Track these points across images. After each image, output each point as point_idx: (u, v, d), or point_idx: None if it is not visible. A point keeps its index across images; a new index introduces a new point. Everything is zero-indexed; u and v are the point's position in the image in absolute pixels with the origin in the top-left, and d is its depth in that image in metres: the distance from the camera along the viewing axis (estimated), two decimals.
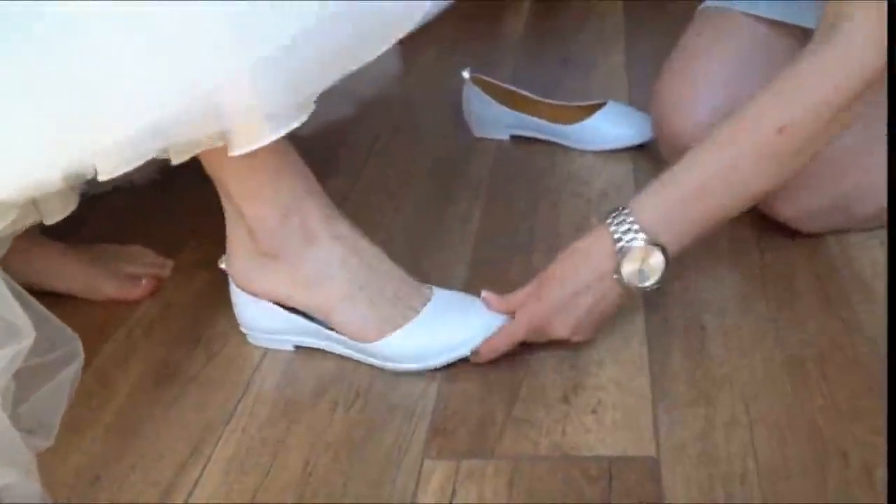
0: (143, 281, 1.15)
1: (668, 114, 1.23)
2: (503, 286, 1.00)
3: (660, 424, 0.89)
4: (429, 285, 1.01)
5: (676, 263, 1.11)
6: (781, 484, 0.81)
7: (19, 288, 0.85)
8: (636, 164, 1.35)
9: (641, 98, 1.39)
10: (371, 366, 0.99)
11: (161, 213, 1.31)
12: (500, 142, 1.45)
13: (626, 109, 1.41)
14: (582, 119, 1.39)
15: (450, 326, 0.96)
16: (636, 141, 1.37)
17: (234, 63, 0.79)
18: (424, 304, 0.97)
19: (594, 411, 0.91)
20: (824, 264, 1.10)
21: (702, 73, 1.22)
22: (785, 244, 1.14)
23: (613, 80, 1.63)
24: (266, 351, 1.03)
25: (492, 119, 1.44)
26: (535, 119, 1.42)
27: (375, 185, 1.36)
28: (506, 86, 1.45)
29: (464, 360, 0.97)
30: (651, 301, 1.05)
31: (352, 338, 0.98)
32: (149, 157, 0.83)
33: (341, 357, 1.01)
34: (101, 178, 0.82)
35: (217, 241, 1.25)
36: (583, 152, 1.40)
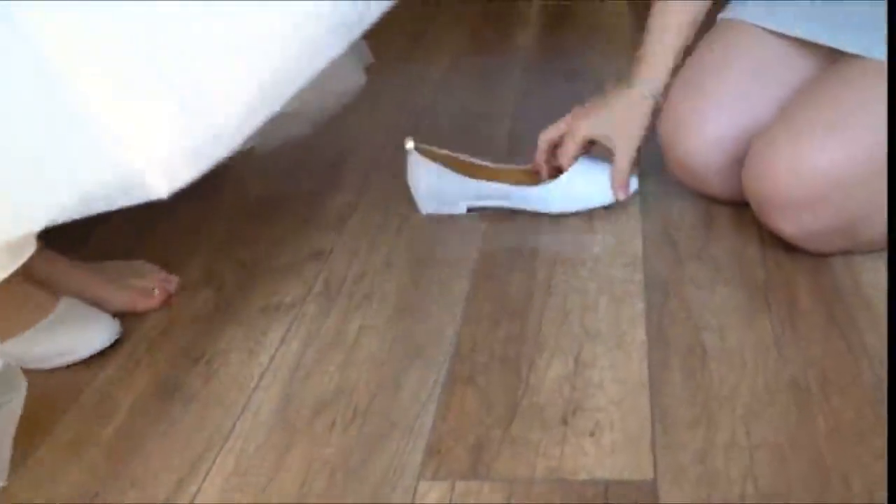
0: (156, 291, 1.15)
1: (678, 130, 1.21)
2: (505, 300, 1.00)
3: (658, 447, 0.88)
4: None
5: (676, 281, 1.11)
6: None
7: None
8: (643, 179, 1.34)
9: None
10: (371, 383, 0.99)
11: (162, 231, 1.32)
12: (505, 145, 1.45)
13: (597, 164, 1.26)
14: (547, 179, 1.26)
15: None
16: (608, 200, 1.25)
17: None
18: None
19: (592, 433, 0.90)
20: (829, 284, 1.09)
21: (714, 88, 1.21)
22: (790, 262, 1.13)
23: None
24: (266, 369, 1.03)
25: (443, 191, 1.27)
26: (497, 184, 1.26)
27: (378, 200, 1.36)
28: (456, 154, 1.29)
29: (462, 381, 0.97)
30: (652, 320, 1.05)
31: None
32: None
33: (341, 375, 1.01)
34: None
35: (219, 259, 1.26)
36: None
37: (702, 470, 0.85)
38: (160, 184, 0.82)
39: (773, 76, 1.19)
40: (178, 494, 0.88)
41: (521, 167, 1.30)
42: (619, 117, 1.22)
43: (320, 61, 0.84)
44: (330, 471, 0.89)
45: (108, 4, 0.78)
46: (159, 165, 0.81)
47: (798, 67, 1.18)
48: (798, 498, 0.81)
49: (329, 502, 0.85)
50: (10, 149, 0.81)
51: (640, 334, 1.03)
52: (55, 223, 0.85)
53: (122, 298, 1.14)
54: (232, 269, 1.22)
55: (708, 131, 1.19)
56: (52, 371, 1.05)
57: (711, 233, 1.21)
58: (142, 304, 1.15)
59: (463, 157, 1.29)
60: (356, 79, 1.32)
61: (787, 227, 1.10)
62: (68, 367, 1.06)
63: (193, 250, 1.26)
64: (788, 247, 1.14)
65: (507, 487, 0.85)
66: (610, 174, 1.24)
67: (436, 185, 1.27)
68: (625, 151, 1.22)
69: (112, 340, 1.09)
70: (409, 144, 1.27)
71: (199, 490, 0.88)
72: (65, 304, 1.09)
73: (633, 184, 1.25)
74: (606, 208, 1.27)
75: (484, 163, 1.29)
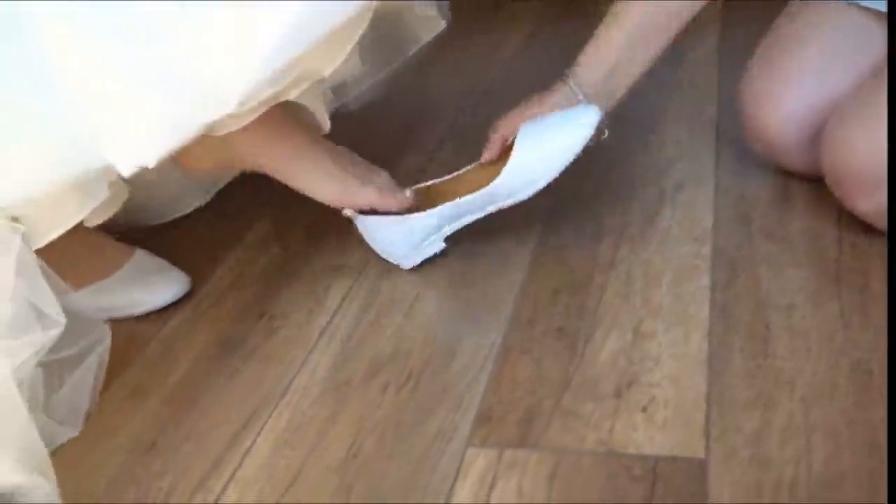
0: (408, 193, 1.08)
1: (756, 104, 1.19)
2: (567, 271, 0.98)
3: (712, 426, 0.86)
4: None
5: (745, 259, 1.08)
6: (831, 494, 0.78)
7: (55, 276, 0.86)
8: (719, 155, 1.31)
9: (732, 87, 1.35)
10: (426, 348, 0.99)
11: (229, 191, 1.33)
12: None
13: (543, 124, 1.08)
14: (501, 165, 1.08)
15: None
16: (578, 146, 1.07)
17: None
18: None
19: (645, 409, 0.89)
20: None
21: (796, 61, 1.17)
22: (866, 244, 1.09)
23: (705, 68, 1.58)
24: (325, 329, 1.04)
25: (403, 242, 1.10)
26: (449, 204, 1.08)
27: (449, 166, 1.35)
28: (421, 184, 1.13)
29: (517, 351, 0.97)
30: (716, 297, 1.02)
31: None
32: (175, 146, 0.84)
33: (398, 339, 1.01)
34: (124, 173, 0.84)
35: (285, 220, 1.27)
36: (661, 137, 1.36)
37: (754, 452, 0.83)
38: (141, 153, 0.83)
39: (851, 50, 1.15)
40: (232, 448, 0.90)
41: (467, 168, 1.15)
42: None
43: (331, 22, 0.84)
44: (380, 432, 0.89)
45: None
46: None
47: (877, 42, 1.14)
48: (851, 484, 0.79)
49: (376, 464, 0.86)
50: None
51: (702, 311, 1.01)
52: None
53: (371, 195, 1.06)
54: (297, 230, 1.23)
55: (785, 105, 1.16)
56: (120, 321, 1.08)
57: (787, 210, 1.18)
58: (394, 202, 1.06)
59: (429, 182, 1.14)
60: (437, 25, 1.29)
61: (864, 204, 1.07)
62: (136, 318, 1.09)
63: (260, 211, 1.28)
64: (865, 228, 1.10)
65: (553, 458, 0.84)
66: (565, 119, 1.07)
67: (395, 241, 1.10)
68: None
69: (181, 294, 1.11)
70: (348, 212, 1.09)
71: (252, 445, 0.90)
72: (138, 256, 1.11)
73: (591, 115, 1.07)
74: (680, 184, 1.24)
75: (439, 180, 1.14)
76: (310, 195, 1.05)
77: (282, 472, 0.87)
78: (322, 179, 1.03)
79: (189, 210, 1.24)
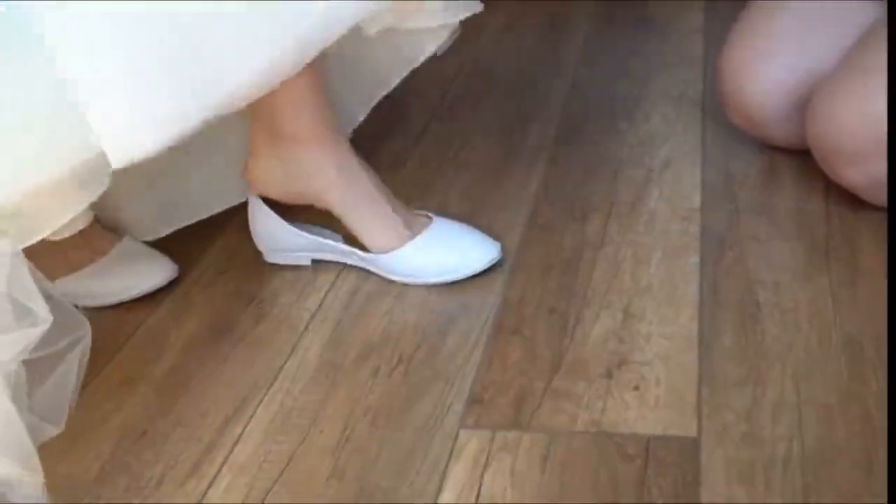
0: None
1: (736, 75, 1.18)
2: (556, 251, 0.98)
3: (704, 403, 0.86)
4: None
5: (734, 235, 1.08)
6: (825, 470, 0.79)
7: (39, 274, 0.85)
8: (706, 131, 1.31)
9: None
10: (417, 331, 0.99)
11: None
12: (565, 100, 1.42)
13: (455, 229, 1.07)
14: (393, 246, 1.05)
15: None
16: (461, 273, 1.05)
17: None
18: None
19: (636, 387, 0.89)
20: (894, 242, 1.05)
21: (770, 30, 1.17)
22: (854, 218, 1.09)
23: (690, 44, 1.58)
24: (314, 313, 1.04)
25: (281, 242, 1.10)
26: (335, 244, 1.08)
27: (437, 147, 1.35)
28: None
29: (508, 331, 0.97)
30: (706, 275, 1.02)
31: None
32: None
33: (388, 322, 1.01)
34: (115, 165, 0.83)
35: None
36: (648, 115, 1.35)
37: (747, 429, 0.83)
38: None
39: (834, 20, 1.14)
40: (224, 434, 0.89)
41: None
42: None
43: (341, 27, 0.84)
44: (372, 416, 0.89)
45: None
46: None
47: (861, 12, 1.13)
48: (845, 458, 0.79)
49: (369, 447, 0.86)
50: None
51: (692, 289, 1.01)
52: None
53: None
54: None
55: (765, 74, 1.16)
56: (108, 309, 1.07)
57: (773, 186, 1.18)
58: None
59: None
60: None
61: (853, 175, 1.07)
62: (123, 305, 1.08)
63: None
64: (853, 202, 1.10)
65: (546, 439, 0.84)
66: (473, 241, 1.07)
67: (272, 235, 1.10)
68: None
69: (168, 280, 1.10)
70: (251, 195, 1.10)
71: (244, 430, 0.90)
72: (125, 242, 1.11)
73: (493, 253, 1.06)
74: (667, 162, 1.24)
75: None
76: (362, 240, 1.06)
77: (274, 456, 0.86)
78: (379, 228, 1.05)
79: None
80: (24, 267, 0.83)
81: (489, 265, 1.05)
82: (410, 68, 1.19)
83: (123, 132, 0.82)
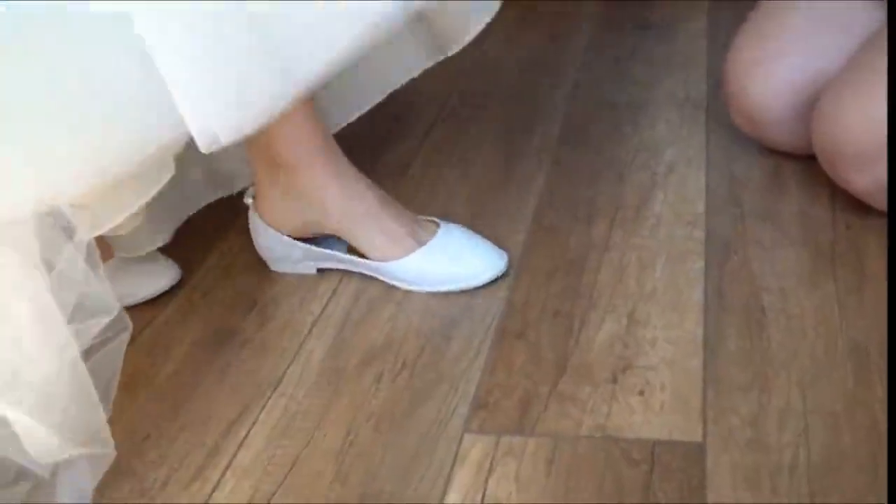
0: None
1: (741, 78, 1.17)
2: (561, 255, 0.98)
3: (709, 409, 0.86)
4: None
5: (739, 241, 1.08)
6: (831, 477, 0.78)
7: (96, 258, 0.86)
8: (710, 136, 1.31)
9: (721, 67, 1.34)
10: (420, 335, 0.99)
11: None
12: (569, 104, 1.42)
13: (463, 238, 1.07)
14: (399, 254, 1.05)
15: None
16: (466, 285, 1.04)
17: None
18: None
19: (641, 392, 0.89)
20: None
21: (777, 33, 1.16)
22: (860, 224, 1.09)
23: (695, 48, 1.58)
24: (317, 318, 1.03)
25: (285, 254, 1.10)
26: (340, 254, 1.08)
27: (441, 151, 1.35)
28: None
29: (513, 335, 0.96)
30: (711, 280, 1.02)
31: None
32: None
33: (391, 327, 1.01)
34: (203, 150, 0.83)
35: None
36: (652, 119, 1.35)
37: (752, 434, 0.83)
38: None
39: (839, 22, 1.14)
40: (227, 439, 0.89)
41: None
42: None
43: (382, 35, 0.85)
44: (376, 420, 0.89)
45: None
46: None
47: (868, 14, 1.12)
48: (851, 464, 0.79)
49: (373, 453, 0.85)
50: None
51: (697, 294, 1.01)
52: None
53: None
54: None
55: (771, 77, 1.15)
56: None
57: (779, 191, 1.18)
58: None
59: None
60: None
61: (859, 179, 1.06)
62: (127, 308, 1.07)
63: None
64: (859, 208, 1.09)
65: (551, 444, 0.84)
66: (485, 250, 1.06)
67: (272, 248, 1.11)
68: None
69: (171, 285, 1.10)
70: (249, 200, 1.10)
71: (247, 435, 0.89)
72: None
73: (500, 265, 1.06)
74: (671, 166, 1.24)
75: None
76: (367, 256, 1.07)
77: (278, 460, 0.86)
78: (382, 245, 1.06)
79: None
80: (97, 256, 0.84)
81: (494, 278, 1.05)
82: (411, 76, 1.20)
83: (211, 118, 0.83)
